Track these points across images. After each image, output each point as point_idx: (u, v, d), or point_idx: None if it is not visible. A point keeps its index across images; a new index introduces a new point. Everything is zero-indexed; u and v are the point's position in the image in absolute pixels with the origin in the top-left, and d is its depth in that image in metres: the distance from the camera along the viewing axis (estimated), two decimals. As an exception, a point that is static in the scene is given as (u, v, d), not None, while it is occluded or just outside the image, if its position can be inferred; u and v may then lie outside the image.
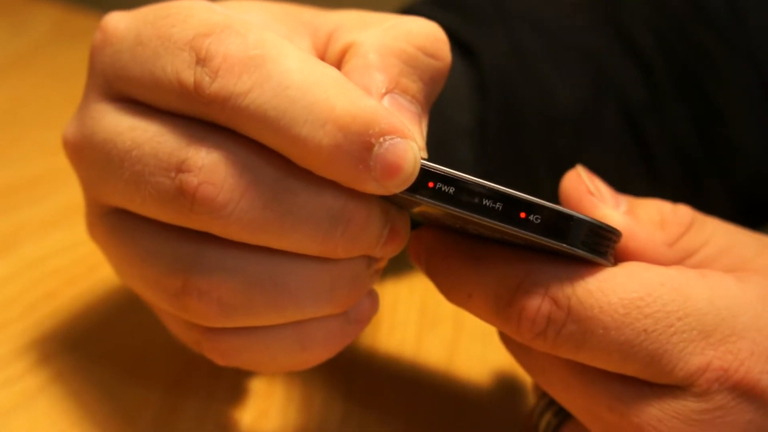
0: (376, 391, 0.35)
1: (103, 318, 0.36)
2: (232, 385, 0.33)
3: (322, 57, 0.27)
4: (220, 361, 0.26)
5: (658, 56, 0.43)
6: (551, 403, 0.29)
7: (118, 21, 0.26)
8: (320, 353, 0.26)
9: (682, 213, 0.28)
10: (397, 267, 0.39)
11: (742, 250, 0.28)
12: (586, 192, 0.28)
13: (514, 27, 0.44)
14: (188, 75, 0.23)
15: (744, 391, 0.23)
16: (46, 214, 0.43)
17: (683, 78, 0.43)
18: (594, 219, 0.23)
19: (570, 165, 0.29)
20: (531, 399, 0.35)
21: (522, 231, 0.23)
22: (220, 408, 0.32)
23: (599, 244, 0.24)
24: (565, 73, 0.44)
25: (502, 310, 0.25)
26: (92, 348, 0.34)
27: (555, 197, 0.24)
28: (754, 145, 0.43)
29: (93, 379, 0.32)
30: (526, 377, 0.36)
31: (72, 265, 0.39)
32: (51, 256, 0.39)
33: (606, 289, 0.24)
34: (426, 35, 0.26)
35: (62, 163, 0.28)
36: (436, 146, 0.40)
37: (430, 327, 0.40)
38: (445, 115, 0.41)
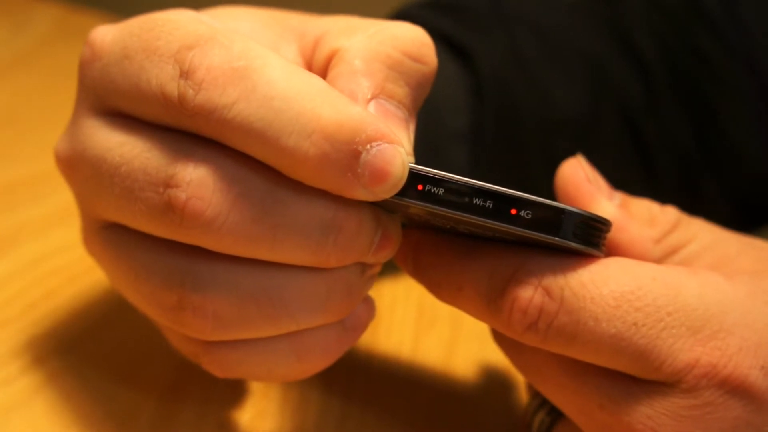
0: (374, 390, 0.35)
1: (103, 318, 0.36)
2: (230, 385, 0.33)
3: (309, 63, 0.27)
4: (219, 374, 0.26)
5: (657, 59, 0.43)
6: (544, 402, 0.29)
7: (104, 35, 0.26)
8: (318, 363, 0.26)
9: (669, 212, 0.29)
10: (394, 268, 0.39)
11: (725, 248, 0.28)
12: (585, 179, 0.29)
13: (512, 30, 0.44)
14: (172, 88, 0.23)
15: (732, 387, 0.24)
16: (46, 214, 0.43)
17: (681, 81, 0.43)
18: (584, 211, 0.24)
19: None
20: (526, 398, 0.35)
21: (514, 227, 0.23)
22: (217, 408, 0.32)
23: (591, 236, 0.24)
24: (564, 76, 0.44)
25: (493, 301, 0.25)
26: (90, 348, 0.34)
27: (552, 200, 0.24)
28: (751, 148, 0.43)
29: (91, 379, 0.32)
30: (522, 377, 0.37)
31: (72, 264, 0.39)
32: (51, 255, 0.39)
33: (598, 281, 0.24)
34: (411, 40, 0.26)
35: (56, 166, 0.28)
36: (431, 151, 0.40)
37: (427, 327, 0.40)
38: (440, 119, 0.41)
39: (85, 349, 0.34)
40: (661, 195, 0.34)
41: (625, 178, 0.37)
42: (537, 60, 0.44)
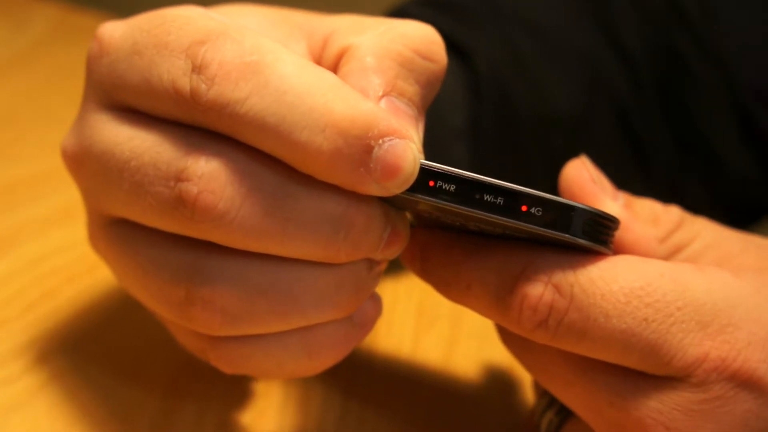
0: (374, 389, 0.35)
1: (103, 317, 0.36)
2: (231, 384, 0.33)
3: (318, 61, 0.27)
4: (227, 370, 0.26)
5: (642, 58, 0.44)
6: (553, 401, 0.29)
7: (113, 30, 0.26)
8: (326, 359, 0.26)
9: (672, 212, 0.30)
10: (395, 267, 0.39)
11: (728, 246, 0.28)
12: (589, 180, 0.29)
13: (509, 28, 0.44)
14: (184, 82, 0.22)
15: (742, 381, 0.24)
16: (46, 213, 0.43)
17: (661, 81, 0.44)
18: (594, 208, 0.24)
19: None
20: (529, 397, 0.36)
21: (524, 224, 0.23)
22: (218, 408, 0.32)
23: (600, 233, 0.24)
24: (560, 74, 0.44)
25: (502, 299, 0.25)
26: (91, 347, 0.34)
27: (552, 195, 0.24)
28: (728, 149, 0.43)
29: (92, 379, 0.32)
30: (523, 375, 0.37)
31: (72, 264, 0.39)
32: (51, 255, 0.39)
33: (607, 278, 0.24)
34: (421, 38, 0.26)
35: (62, 162, 0.28)
36: (430, 148, 0.40)
37: (427, 326, 0.40)
38: (439, 116, 0.41)
39: (86, 348, 0.34)
40: (657, 190, 0.34)
41: (621, 175, 0.37)
42: (534, 58, 0.44)
